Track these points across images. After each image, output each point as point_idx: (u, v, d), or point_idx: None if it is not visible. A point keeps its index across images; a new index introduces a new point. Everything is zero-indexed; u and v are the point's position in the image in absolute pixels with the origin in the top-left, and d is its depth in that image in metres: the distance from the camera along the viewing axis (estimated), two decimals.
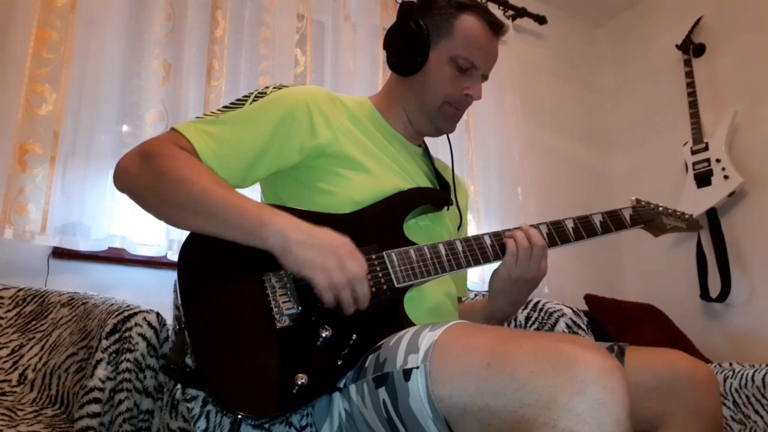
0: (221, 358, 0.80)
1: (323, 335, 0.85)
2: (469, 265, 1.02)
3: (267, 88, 1.05)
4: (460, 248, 1.02)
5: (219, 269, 0.87)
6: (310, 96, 1.04)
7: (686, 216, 1.28)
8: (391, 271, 0.95)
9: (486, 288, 2.39)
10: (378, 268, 0.94)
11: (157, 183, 0.90)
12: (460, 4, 1.11)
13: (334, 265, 0.84)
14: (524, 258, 1.02)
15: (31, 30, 1.70)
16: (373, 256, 0.94)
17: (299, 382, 0.80)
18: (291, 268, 0.86)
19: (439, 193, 1.14)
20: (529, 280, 1.04)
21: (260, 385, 0.80)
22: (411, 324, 0.92)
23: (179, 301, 0.84)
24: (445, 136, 1.22)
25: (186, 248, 0.88)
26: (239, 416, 0.77)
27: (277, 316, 0.85)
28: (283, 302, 0.86)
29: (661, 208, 1.25)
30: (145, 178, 0.91)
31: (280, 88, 1.05)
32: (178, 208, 0.89)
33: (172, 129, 0.97)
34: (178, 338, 0.84)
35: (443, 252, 1.00)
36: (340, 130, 1.05)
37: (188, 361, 0.81)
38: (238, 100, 1.03)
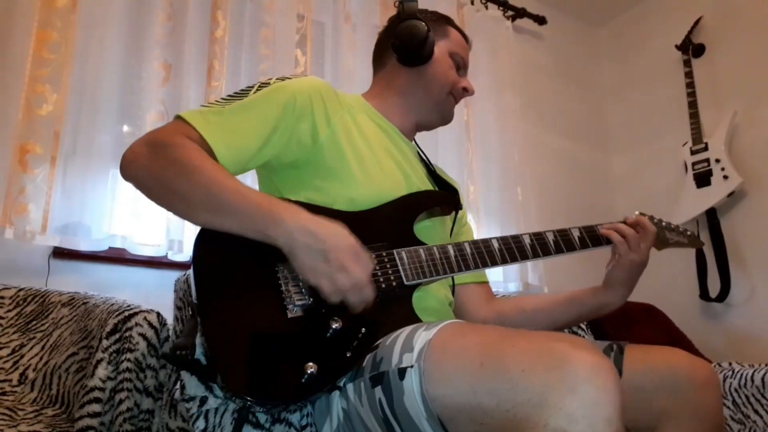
0: (232, 345, 0.81)
1: (333, 327, 0.85)
2: (476, 267, 1.03)
3: (270, 79, 1.06)
4: (468, 250, 1.04)
5: (234, 258, 0.88)
6: (313, 87, 1.05)
7: (688, 232, 1.33)
8: (400, 268, 0.97)
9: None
10: (388, 265, 0.96)
11: (166, 172, 0.89)
12: (446, 17, 1.25)
13: (338, 271, 0.83)
14: (635, 243, 1.13)
15: (31, 30, 1.70)
16: (384, 254, 0.97)
17: (309, 371, 0.80)
18: (297, 272, 0.86)
19: (450, 198, 1.15)
20: (641, 263, 1.14)
21: (270, 372, 0.80)
22: (419, 320, 0.93)
23: (194, 289, 0.84)
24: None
25: (201, 237, 0.89)
26: (248, 402, 0.78)
27: (288, 306, 0.86)
28: (295, 293, 0.88)
29: (664, 224, 1.29)
30: (154, 167, 0.90)
31: (283, 80, 1.05)
32: (187, 198, 0.88)
33: (179, 117, 0.96)
34: (189, 323, 0.84)
35: (452, 253, 1.02)
36: (338, 124, 1.06)
37: (197, 347, 0.82)
38: (242, 90, 1.03)
